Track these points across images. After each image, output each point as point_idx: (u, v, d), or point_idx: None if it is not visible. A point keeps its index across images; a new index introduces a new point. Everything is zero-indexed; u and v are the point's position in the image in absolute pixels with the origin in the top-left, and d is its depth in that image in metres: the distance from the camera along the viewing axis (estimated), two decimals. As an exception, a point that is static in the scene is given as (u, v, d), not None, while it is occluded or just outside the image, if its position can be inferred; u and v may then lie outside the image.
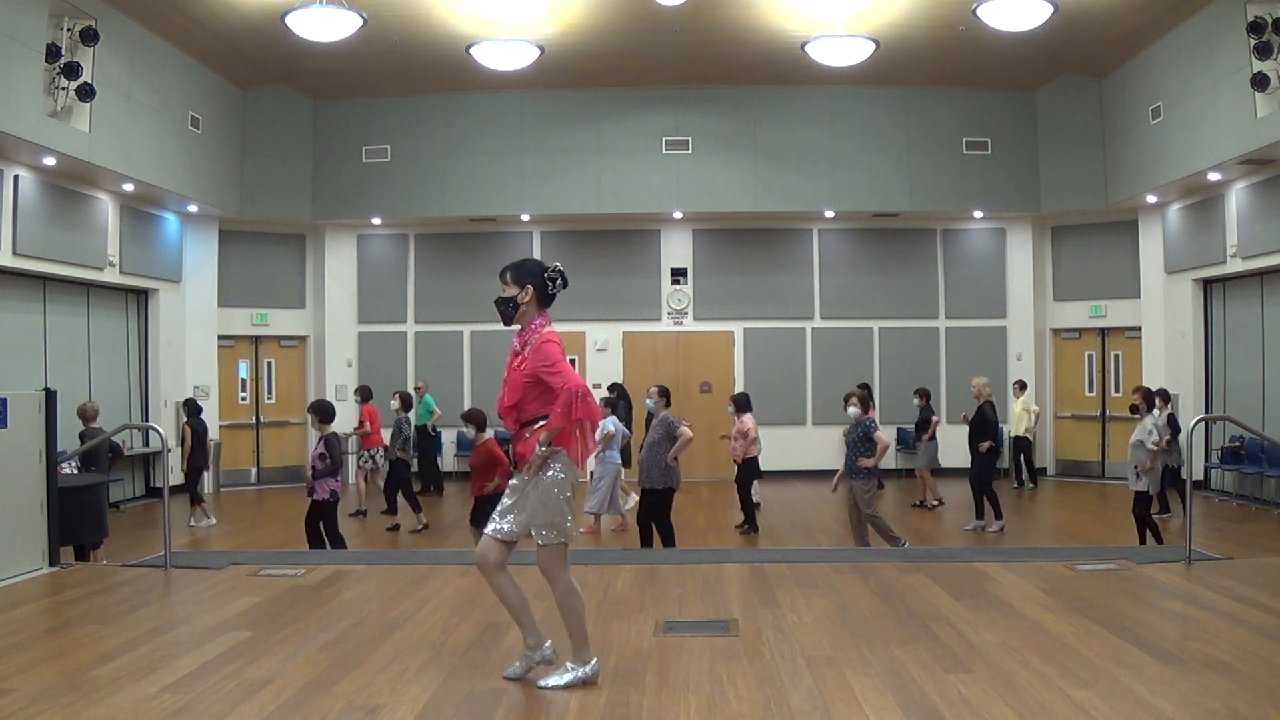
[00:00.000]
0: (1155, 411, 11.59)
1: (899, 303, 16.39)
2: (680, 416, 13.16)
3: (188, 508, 12.06)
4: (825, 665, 4.78)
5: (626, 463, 11.56)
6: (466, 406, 16.38)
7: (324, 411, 8.94)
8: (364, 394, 13.00)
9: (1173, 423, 11.77)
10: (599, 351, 16.36)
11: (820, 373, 16.36)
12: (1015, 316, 16.40)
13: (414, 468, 13.14)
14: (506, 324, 4.66)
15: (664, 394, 10.00)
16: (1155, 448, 9.04)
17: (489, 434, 8.96)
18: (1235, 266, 12.93)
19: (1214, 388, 13.90)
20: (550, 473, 4.44)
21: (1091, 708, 4.09)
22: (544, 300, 4.59)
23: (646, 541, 9.16)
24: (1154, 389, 12.30)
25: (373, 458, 12.83)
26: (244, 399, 16.07)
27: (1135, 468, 9.15)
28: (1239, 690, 4.27)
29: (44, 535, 7.08)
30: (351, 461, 14.07)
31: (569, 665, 4.53)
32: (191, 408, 12.36)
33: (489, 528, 4.55)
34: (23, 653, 5.04)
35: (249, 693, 4.41)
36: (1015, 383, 15.02)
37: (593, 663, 4.54)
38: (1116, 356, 15.90)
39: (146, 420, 14.04)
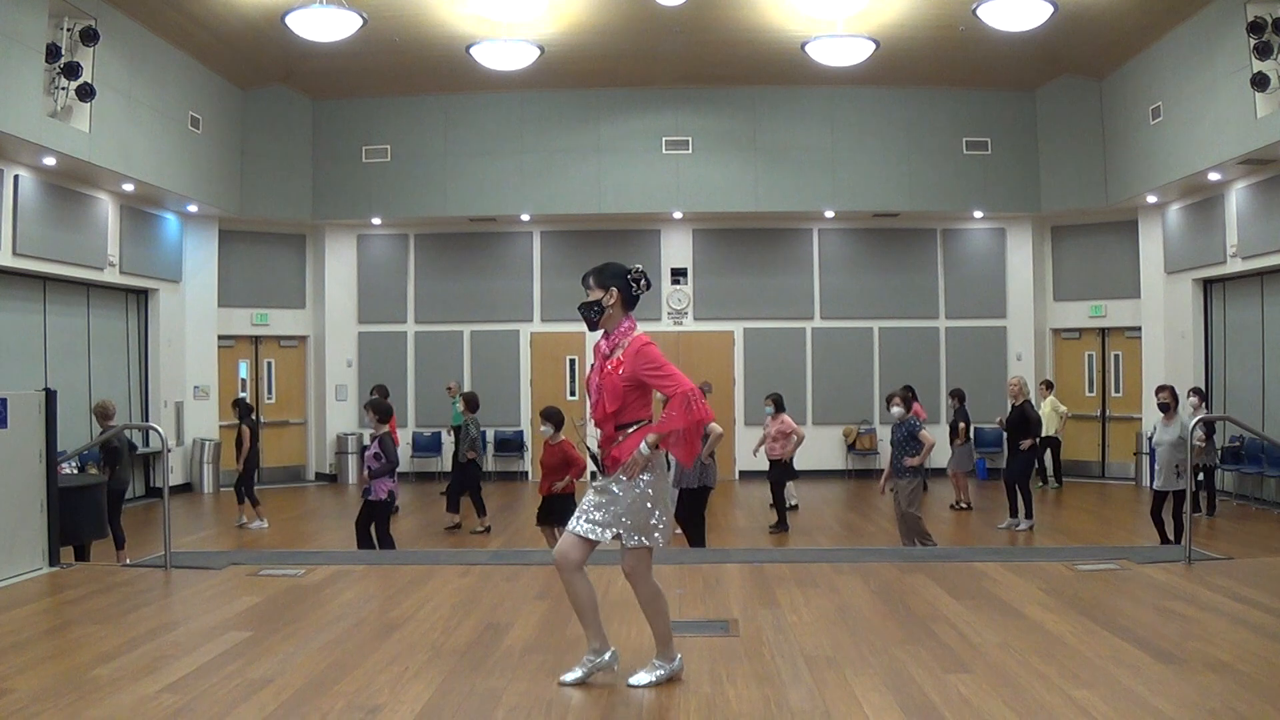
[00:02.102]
0: (1195, 406, 11.57)
1: (899, 303, 16.39)
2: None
3: (238, 508, 12.09)
4: (825, 665, 4.78)
5: None
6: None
7: (382, 410, 8.90)
8: (382, 393, 12.90)
9: (1208, 422, 11.68)
10: (599, 351, 16.33)
11: (820, 373, 16.37)
12: (1015, 316, 16.40)
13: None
14: (591, 329, 4.62)
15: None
16: (1201, 444, 8.93)
17: (563, 435, 8.89)
18: (1235, 266, 12.92)
19: (1214, 388, 13.88)
20: (646, 477, 4.41)
21: (1091, 708, 4.09)
22: (629, 302, 4.56)
23: (696, 540, 9.33)
24: (1193, 387, 12.23)
25: None
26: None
27: (1176, 466, 8.97)
28: (1239, 690, 4.27)
29: (44, 535, 7.08)
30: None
31: (655, 663, 4.54)
32: (244, 408, 12.26)
33: (573, 526, 4.47)
34: (23, 653, 5.04)
35: (249, 693, 4.41)
36: (1042, 383, 14.99)
37: (678, 659, 4.56)
38: (1116, 356, 15.90)
39: (146, 420, 14.04)
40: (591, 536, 4.43)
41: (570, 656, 4.92)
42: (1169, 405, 9.30)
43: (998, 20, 11.79)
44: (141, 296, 14.43)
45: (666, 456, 4.29)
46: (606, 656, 4.55)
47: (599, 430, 4.55)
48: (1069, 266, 16.23)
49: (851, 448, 16.27)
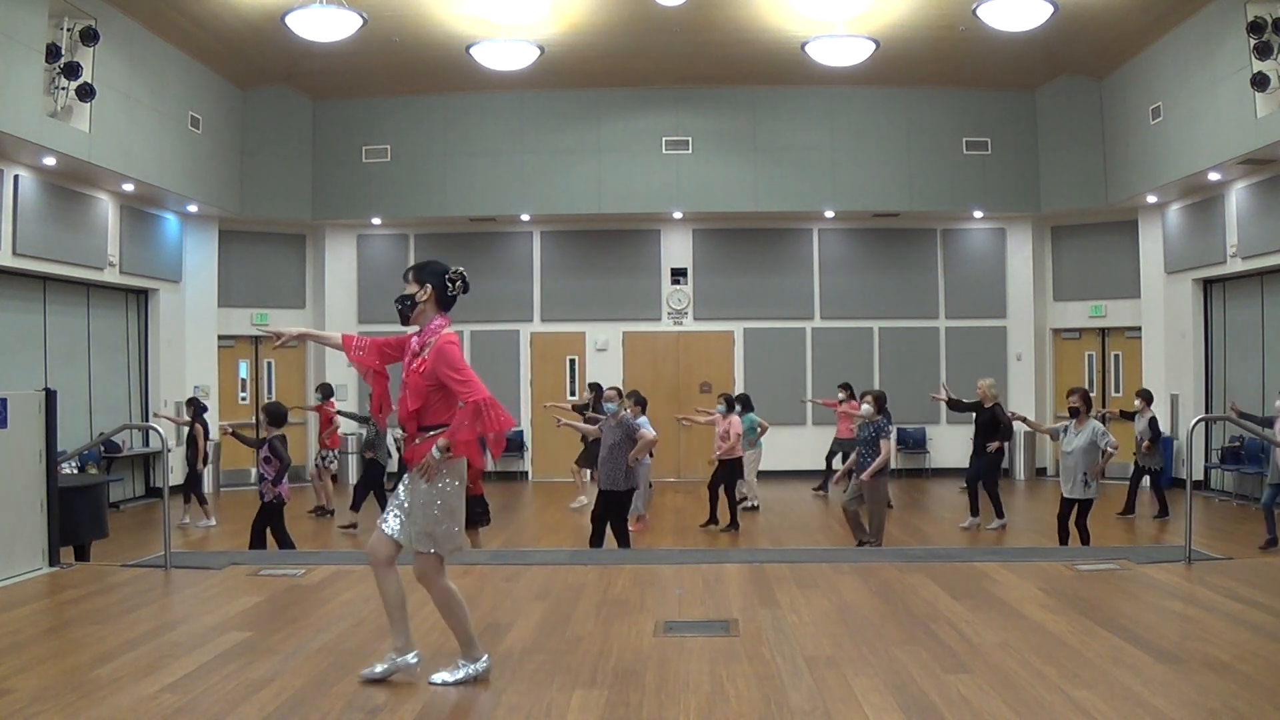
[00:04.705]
0: (1145, 412, 11.72)
1: (899, 303, 16.39)
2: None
3: (183, 507, 11.98)
4: (825, 665, 4.78)
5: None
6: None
7: (274, 415, 9.06)
8: (325, 391, 12.93)
9: (1153, 425, 11.79)
10: (599, 351, 16.36)
11: (820, 373, 16.34)
12: (1015, 316, 16.40)
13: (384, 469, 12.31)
14: (404, 323, 4.61)
15: (624, 397, 9.71)
16: (1113, 450, 8.65)
17: None
18: (1235, 266, 12.93)
19: (1214, 388, 13.89)
20: (442, 483, 4.40)
21: (1091, 708, 4.09)
22: (443, 301, 4.55)
23: (598, 541, 8.83)
24: (1140, 389, 12.40)
25: (334, 456, 12.84)
26: (244, 399, 16.06)
27: (1085, 474, 8.49)
28: (1239, 690, 4.27)
29: (44, 535, 7.08)
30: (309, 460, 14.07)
31: (460, 662, 4.56)
32: (198, 407, 12.31)
33: (381, 522, 4.54)
34: (23, 653, 5.04)
35: (249, 693, 4.41)
36: None
37: (484, 659, 4.58)
38: (1116, 356, 15.90)
39: (146, 420, 14.04)
40: (392, 534, 4.50)
41: (571, 657, 4.94)
42: (1079, 410, 8.77)
43: (998, 20, 11.80)
44: (141, 296, 14.42)
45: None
46: (410, 658, 4.57)
47: (403, 429, 4.55)
48: (1069, 266, 16.23)
49: (851, 448, 16.27)
